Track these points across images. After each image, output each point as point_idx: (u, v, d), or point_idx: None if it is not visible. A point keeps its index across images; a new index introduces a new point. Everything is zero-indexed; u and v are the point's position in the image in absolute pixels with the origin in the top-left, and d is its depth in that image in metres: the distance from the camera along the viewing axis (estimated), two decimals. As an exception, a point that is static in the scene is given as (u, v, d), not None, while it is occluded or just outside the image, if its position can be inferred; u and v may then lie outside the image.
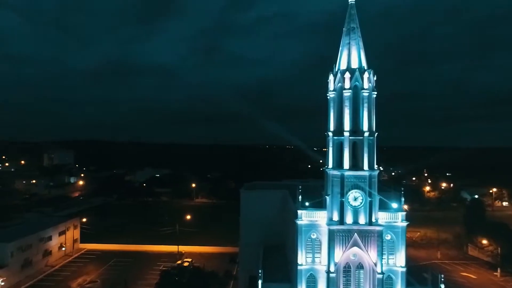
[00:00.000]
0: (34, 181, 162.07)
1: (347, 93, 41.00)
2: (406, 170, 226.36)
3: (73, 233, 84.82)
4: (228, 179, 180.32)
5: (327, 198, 41.51)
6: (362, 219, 40.47)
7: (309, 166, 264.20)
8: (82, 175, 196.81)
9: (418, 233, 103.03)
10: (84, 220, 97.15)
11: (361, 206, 40.38)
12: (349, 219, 40.53)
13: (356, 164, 40.91)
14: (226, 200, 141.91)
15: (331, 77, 42.80)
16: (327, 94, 43.40)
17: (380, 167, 55.22)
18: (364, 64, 42.04)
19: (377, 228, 40.22)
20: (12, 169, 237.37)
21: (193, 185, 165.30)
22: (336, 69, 42.61)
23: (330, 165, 42.22)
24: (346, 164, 40.60)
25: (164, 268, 73.49)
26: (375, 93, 42.40)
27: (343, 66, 42.11)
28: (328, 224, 40.75)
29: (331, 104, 42.80)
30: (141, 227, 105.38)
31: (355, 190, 40.28)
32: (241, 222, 67.32)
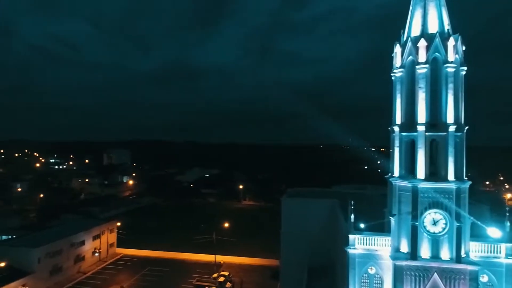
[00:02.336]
0: (87, 180, 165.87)
1: (422, 70, 28.50)
2: (476, 173, 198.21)
3: (108, 237, 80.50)
4: (278, 180, 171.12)
5: (392, 219, 29.42)
6: (445, 253, 27.80)
7: (366, 167, 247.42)
8: (134, 174, 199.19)
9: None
10: (123, 223, 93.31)
11: (444, 234, 27.74)
12: (425, 251, 28.09)
13: (436, 172, 28.35)
14: (274, 203, 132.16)
15: (397, 49, 30.48)
16: (391, 73, 31.18)
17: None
18: (447, 27, 29.19)
19: (470, 267, 27.32)
20: (74, 168, 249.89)
21: (240, 186, 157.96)
22: (405, 37, 30.22)
23: (396, 173, 30.02)
24: (421, 171, 28.19)
25: (196, 283, 66.03)
26: (465, 68, 29.35)
27: (416, 31, 29.59)
28: (394, 258, 28.67)
29: (398, 87, 30.47)
30: (182, 231, 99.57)
31: (435, 210, 27.75)
32: (282, 236, 57.18)
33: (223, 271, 71.74)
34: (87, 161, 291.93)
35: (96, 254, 75.88)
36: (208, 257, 78.07)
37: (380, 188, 67.71)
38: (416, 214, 27.84)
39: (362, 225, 30.83)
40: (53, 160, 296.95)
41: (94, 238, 76.48)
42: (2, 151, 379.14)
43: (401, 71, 30.00)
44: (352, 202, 30.60)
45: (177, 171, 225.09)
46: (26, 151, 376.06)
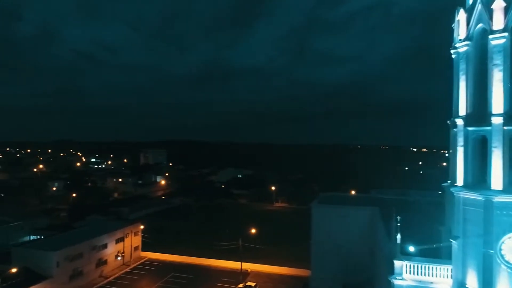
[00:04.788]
0: (120, 179, 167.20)
1: (498, 40, 20.89)
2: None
3: (132, 240, 77.53)
4: (312, 182, 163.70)
5: (455, 243, 22.02)
6: (534, 294, 20.12)
7: (406, 168, 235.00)
8: (167, 174, 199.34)
9: None
10: (150, 224, 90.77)
11: (533, 267, 20.05)
12: (504, 290, 20.54)
13: (519, 180, 20.68)
14: (308, 206, 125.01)
15: (460, 15, 22.95)
16: (452, 49, 23.72)
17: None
18: (534, -18, 21.34)
19: None
20: (112, 167, 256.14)
21: (273, 188, 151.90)
22: (472, 0, 22.68)
23: (460, 181, 22.50)
24: (497, 180, 20.61)
25: (220, 295, 61.04)
26: (560, 38, 21.33)
27: (488, -10, 22.04)
28: (458, 296, 21.35)
29: (462, 67, 22.93)
30: (209, 234, 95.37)
31: (519, 234, 20.14)
32: (312, 247, 50.72)
33: (249, 281, 66.11)
34: (125, 160, 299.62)
35: (119, 258, 73.03)
36: (235, 264, 72.78)
37: (425, 194, 59.33)
38: (490, 239, 20.33)
39: (411, 248, 23.64)
40: (93, 160, 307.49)
41: (118, 241, 73.63)
42: (49, 150, 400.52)
43: (467, 45, 22.44)
44: (399, 218, 23.47)
45: (210, 171, 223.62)
46: (71, 150, 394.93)
